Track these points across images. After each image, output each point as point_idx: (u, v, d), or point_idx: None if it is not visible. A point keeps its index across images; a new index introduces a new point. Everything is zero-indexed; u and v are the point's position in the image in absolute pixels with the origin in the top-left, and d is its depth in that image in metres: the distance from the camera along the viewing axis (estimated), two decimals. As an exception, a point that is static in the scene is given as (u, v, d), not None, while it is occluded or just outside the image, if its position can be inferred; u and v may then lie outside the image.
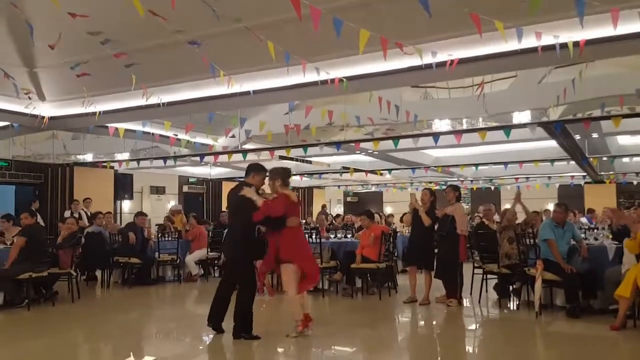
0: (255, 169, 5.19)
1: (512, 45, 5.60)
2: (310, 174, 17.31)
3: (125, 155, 12.84)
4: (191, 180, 17.42)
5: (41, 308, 6.78)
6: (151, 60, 6.94)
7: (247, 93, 7.35)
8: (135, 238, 8.64)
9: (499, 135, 9.86)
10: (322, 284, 7.60)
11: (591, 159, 13.38)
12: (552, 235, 6.14)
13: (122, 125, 10.22)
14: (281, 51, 5.47)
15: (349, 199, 26.53)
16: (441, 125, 12.12)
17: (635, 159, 15.10)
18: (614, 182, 19.44)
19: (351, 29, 6.18)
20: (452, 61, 5.93)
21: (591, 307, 5.88)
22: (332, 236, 8.55)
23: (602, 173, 17.47)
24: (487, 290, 7.00)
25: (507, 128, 8.98)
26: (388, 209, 23.84)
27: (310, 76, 6.84)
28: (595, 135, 11.85)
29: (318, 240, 7.43)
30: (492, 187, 22.19)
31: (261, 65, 7.17)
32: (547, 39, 5.21)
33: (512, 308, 6.59)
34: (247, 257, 4.94)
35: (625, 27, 5.05)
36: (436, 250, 6.88)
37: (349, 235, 8.48)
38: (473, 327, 6.07)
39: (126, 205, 14.57)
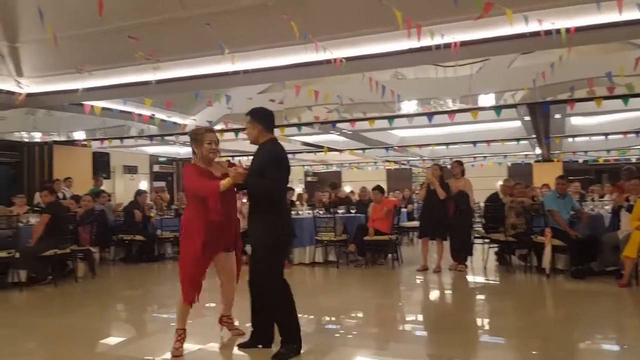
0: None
1: (506, 30, 6.11)
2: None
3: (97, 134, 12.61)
4: (161, 159, 17.21)
5: (65, 285, 6.75)
6: (149, 37, 6.94)
7: (246, 71, 7.50)
8: (141, 215, 8.65)
9: (464, 117, 10.55)
10: (336, 257, 8.02)
11: (553, 138, 14.43)
12: (555, 206, 6.81)
13: (99, 104, 10.06)
14: (290, 29, 5.71)
15: (309, 178, 26.92)
16: (410, 105, 12.68)
17: (583, 138, 16.39)
18: (561, 161, 20.89)
19: (347, 8, 6.53)
20: (455, 43, 6.42)
21: (591, 269, 6.59)
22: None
23: (554, 152, 18.81)
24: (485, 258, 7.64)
25: (498, 109, 9.59)
26: (347, 188, 24.49)
27: (309, 56, 7.13)
28: (557, 116, 12.79)
29: (332, 215, 7.86)
30: (449, 166, 23.21)
31: (262, 44, 7.36)
32: (546, 25, 5.78)
33: (517, 272, 7.20)
34: None
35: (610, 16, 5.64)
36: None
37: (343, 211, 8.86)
38: (490, 288, 6.62)
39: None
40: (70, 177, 11.51)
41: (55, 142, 12.29)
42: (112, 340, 4.50)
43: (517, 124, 13.58)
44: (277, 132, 11.11)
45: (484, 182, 13.99)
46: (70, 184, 11.38)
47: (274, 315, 3.66)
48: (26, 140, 12.15)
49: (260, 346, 3.78)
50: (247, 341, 3.85)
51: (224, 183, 3.59)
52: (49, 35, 5.96)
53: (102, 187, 10.40)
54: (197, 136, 3.82)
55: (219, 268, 3.96)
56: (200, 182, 3.67)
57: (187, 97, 9.88)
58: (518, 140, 14.58)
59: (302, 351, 3.64)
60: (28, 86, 8.13)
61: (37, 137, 12.28)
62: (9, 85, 8.01)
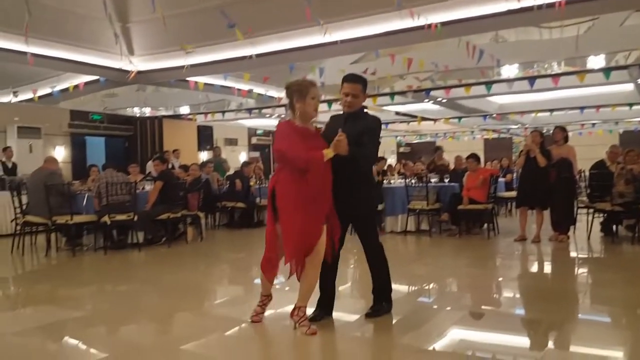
0: None
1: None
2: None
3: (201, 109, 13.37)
4: (258, 132, 17.91)
5: (177, 246, 7.36)
6: (245, 12, 7.18)
7: (342, 42, 7.52)
8: (241, 185, 9.17)
9: (570, 81, 9.86)
10: (429, 225, 8.00)
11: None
12: (670, 174, 6.33)
13: (202, 79, 10.60)
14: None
15: (401, 149, 26.66)
16: (510, 70, 12.00)
17: None
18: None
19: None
20: (559, 2, 6.05)
21: None
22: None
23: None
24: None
25: (607, 71, 8.94)
26: (443, 159, 24.01)
27: (403, 22, 7.04)
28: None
29: (424, 184, 7.83)
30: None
31: (356, 13, 7.35)
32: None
33: (624, 243, 6.81)
34: None
35: None
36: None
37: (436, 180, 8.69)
38: (594, 259, 6.33)
39: (204, 156, 15.14)
40: (178, 148, 12.39)
41: (164, 116, 13.20)
42: (217, 299, 4.95)
43: (630, 87, 12.52)
44: (369, 101, 11.10)
45: (593, 151, 13.07)
46: (178, 154, 12.25)
47: (376, 273, 3.72)
48: (138, 115, 13.17)
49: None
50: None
51: (327, 153, 3.24)
52: (158, 15, 6.38)
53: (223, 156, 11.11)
54: (302, 88, 3.33)
55: None
56: (301, 152, 3.23)
57: (283, 72, 10.19)
58: (631, 105, 13.45)
59: (394, 320, 3.67)
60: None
61: (147, 112, 13.30)
62: (121, 64, 8.72)
